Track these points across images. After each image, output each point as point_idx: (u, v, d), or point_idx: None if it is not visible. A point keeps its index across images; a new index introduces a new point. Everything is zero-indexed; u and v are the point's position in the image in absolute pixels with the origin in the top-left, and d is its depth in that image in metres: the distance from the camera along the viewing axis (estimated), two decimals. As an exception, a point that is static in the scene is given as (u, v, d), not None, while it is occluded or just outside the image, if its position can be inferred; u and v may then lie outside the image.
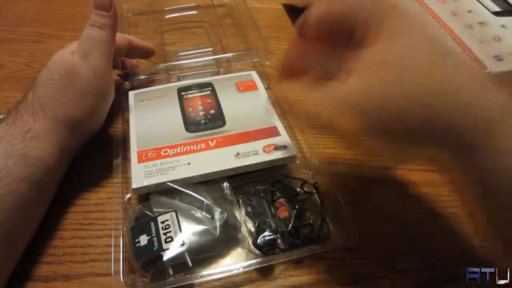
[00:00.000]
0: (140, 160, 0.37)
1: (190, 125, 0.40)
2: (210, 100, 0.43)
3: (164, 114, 0.41)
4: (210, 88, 0.44)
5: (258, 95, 0.44)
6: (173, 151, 0.37)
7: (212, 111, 0.41)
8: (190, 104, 0.42)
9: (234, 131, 0.39)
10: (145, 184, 0.35)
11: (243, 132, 0.39)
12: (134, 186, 0.35)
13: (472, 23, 0.52)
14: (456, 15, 0.53)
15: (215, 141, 0.38)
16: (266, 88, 0.45)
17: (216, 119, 0.41)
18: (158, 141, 0.38)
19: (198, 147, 0.38)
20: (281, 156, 0.37)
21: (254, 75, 0.46)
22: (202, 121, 0.40)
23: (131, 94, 0.43)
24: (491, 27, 0.51)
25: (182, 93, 0.43)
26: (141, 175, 0.35)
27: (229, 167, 0.36)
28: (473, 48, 0.48)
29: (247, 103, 0.43)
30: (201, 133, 0.39)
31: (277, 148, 0.38)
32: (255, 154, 0.37)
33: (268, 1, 0.62)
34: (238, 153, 0.37)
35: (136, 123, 0.40)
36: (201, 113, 0.41)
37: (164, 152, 0.37)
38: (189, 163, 0.36)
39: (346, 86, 0.25)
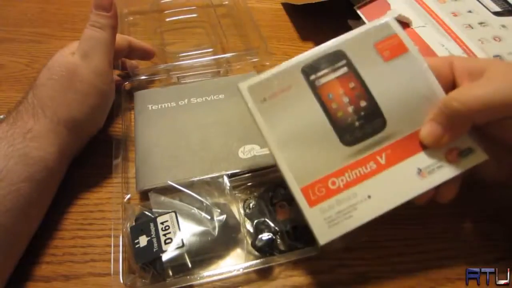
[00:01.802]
0: (311, 203, 0.28)
1: (344, 133, 0.29)
2: (353, 84, 0.30)
3: (301, 119, 0.29)
4: (344, 62, 0.30)
5: (410, 62, 0.30)
6: (342, 180, 0.28)
7: (363, 103, 0.29)
8: (330, 96, 0.29)
9: (401, 133, 0.29)
10: (330, 237, 0.27)
11: (412, 133, 0.29)
12: (321, 242, 0.27)
13: (472, 23, 0.51)
14: (456, 15, 0.53)
15: (383, 155, 0.29)
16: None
17: (372, 116, 0.29)
18: (316, 166, 0.29)
19: (369, 169, 0.28)
20: (470, 165, 0.28)
21: (394, 24, 0.30)
22: (356, 124, 0.29)
23: (244, 89, 0.30)
24: (491, 27, 0.51)
25: (312, 78, 0.30)
26: (322, 224, 0.27)
27: (416, 194, 0.28)
28: (473, 48, 0.48)
29: (402, 80, 0.29)
30: (362, 145, 0.29)
31: (461, 153, 0.29)
32: (440, 167, 0.28)
33: (268, 1, 0.62)
34: (420, 170, 0.28)
35: (277, 140, 0.29)
36: (349, 109, 0.29)
37: (332, 184, 0.28)
38: (369, 196, 0.28)
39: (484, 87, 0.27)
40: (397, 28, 0.30)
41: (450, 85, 0.29)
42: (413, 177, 0.28)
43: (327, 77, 0.30)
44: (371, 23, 0.31)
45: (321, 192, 0.28)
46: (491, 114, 0.27)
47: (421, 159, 0.29)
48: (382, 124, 0.29)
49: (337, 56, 0.30)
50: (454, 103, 0.27)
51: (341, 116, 0.29)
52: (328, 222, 0.28)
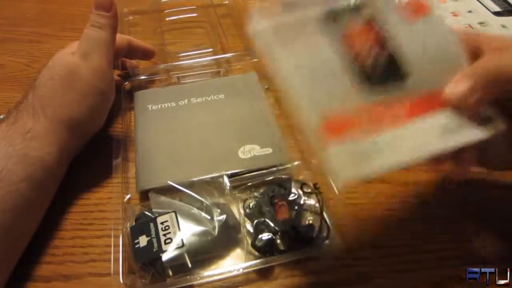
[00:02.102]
0: (331, 137, 0.26)
1: (367, 77, 0.28)
2: (374, 35, 0.29)
3: (320, 56, 0.28)
4: (368, 12, 0.30)
5: (435, 23, 0.30)
6: (367, 118, 0.27)
7: (384, 53, 0.29)
8: (352, 40, 0.29)
9: (421, 87, 0.28)
10: (353, 175, 0.25)
11: (433, 90, 0.28)
12: (342, 179, 0.25)
13: (472, 23, 0.52)
14: (456, 15, 0.53)
15: (408, 103, 0.28)
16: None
17: (393, 68, 0.28)
18: (335, 96, 0.27)
19: (393, 114, 0.27)
20: (489, 133, 0.28)
21: None
22: (382, 65, 0.28)
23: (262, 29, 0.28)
24: (491, 27, 0.51)
25: (334, 21, 0.29)
26: (343, 161, 0.25)
27: (438, 150, 0.27)
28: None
29: (426, 36, 0.29)
30: (383, 89, 0.28)
31: (482, 119, 0.28)
32: (462, 129, 0.28)
33: (268, 1, 0.62)
34: (443, 128, 0.27)
35: (294, 68, 0.27)
36: (371, 58, 0.29)
37: (357, 118, 0.27)
38: (391, 143, 0.27)
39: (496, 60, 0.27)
40: None
41: (474, 56, 0.29)
42: (436, 133, 0.27)
43: (349, 23, 0.29)
44: None
45: (344, 125, 0.26)
46: None
47: (444, 118, 0.28)
48: (404, 73, 0.28)
49: (360, 7, 0.29)
50: (491, 64, 0.27)
51: (362, 63, 0.28)
52: (351, 159, 0.25)
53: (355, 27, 0.29)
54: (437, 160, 0.28)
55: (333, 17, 0.29)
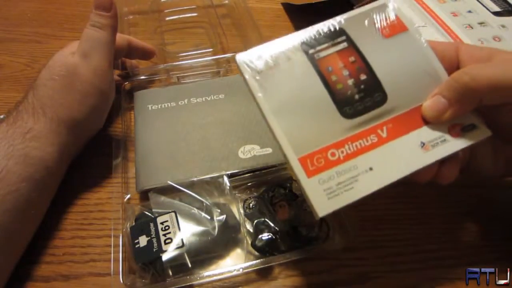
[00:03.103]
0: (309, 173, 0.27)
1: (344, 105, 0.28)
2: (353, 58, 0.29)
3: (299, 91, 0.29)
4: (344, 38, 0.30)
5: (410, 40, 0.30)
6: (342, 152, 0.27)
7: (363, 77, 0.29)
8: (330, 69, 0.29)
9: (401, 108, 0.29)
10: (331, 209, 0.26)
11: (413, 108, 0.29)
12: (320, 215, 0.26)
13: (472, 23, 0.52)
14: (456, 15, 0.53)
15: (384, 128, 0.28)
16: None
17: (372, 90, 0.29)
18: (314, 136, 0.28)
19: (369, 142, 0.28)
20: (473, 141, 0.28)
21: (393, 5, 0.31)
22: (356, 97, 0.29)
23: (241, 61, 0.29)
24: (491, 27, 0.51)
25: (311, 52, 0.29)
26: (321, 195, 0.26)
27: (420, 166, 0.27)
28: (473, 48, 0.48)
29: (402, 56, 0.30)
30: (362, 118, 0.28)
31: (464, 128, 0.28)
32: (443, 141, 0.28)
33: (268, 1, 0.62)
34: (423, 143, 0.28)
35: (273, 109, 0.28)
36: (349, 83, 0.29)
37: (332, 155, 0.27)
38: (371, 169, 0.27)
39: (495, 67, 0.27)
40: (395, 8, 0.31)
41: (454, 69, 0.29)
42: (416, 150, 0.28)
43: (326, 51, 0.30)
44: (371, 4, 0.31)
45: (320, 163, 0.27)
46: (498, 95, 0.27)
47: (424, 133, 0.28)
48: (383, 97, 0.29)
49: (337, 32, 0.30)
50: (465, 77, 0.27)
51: (341, 89, 0.29)
52: (327, 193, 0.26)
53: (332, 51, 0.30)
54: (419, 174, 0.28)
55: (312, 41, 0.30)
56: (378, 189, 0.27)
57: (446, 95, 0.28)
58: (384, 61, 0.29)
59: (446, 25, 0.51)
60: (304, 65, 0.29)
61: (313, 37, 0.30)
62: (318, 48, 0.30)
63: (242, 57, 0.29)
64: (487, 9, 0.54)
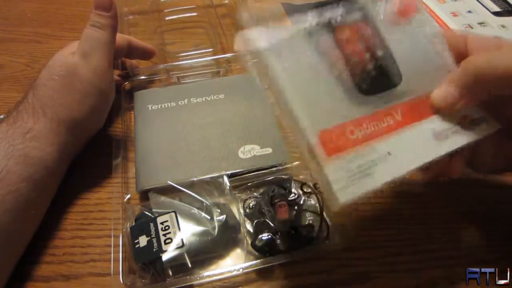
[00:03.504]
0: (329, 151, 0.24)
1: (359, 80, 0.27)
2: (369, 32, 0.28)
3: (316, 60, 0.26)
4: (361, 11, 0.28)
5: (423, 23, 0.29)
6: (360, 131, 0.26)
7: (380, 53, 0.27)
8: (346, 39, 0.27)
9: (413, 92, 0.28)
10: (354, 195, 0.24)
11: (424, 94, 0.28)
12: (342, 200, 0.23)
13: (472, 23, 0.52)
14: (456, 15, 0.53)
15: (399, 111, 0.27)
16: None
17: (388, 68, 0.27)
18: (332, 111, 0.26)
19: (386, 124, 0.26)
20: (483, 134, 0.28)
21: None
22: (372, 73, 0.27)
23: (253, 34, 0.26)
24: (491, 27, 0.51)
25: (329, 18, 0.27)
26: (342, 178, 0.24)
27: (435, 157, 0.26)
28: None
29: (415, 39, 0.28)
30: (378, 97, 0.27)
31: (474, 121, 0.28)
32: (454, 133, 0.27)
33: (268, 1, 0.62)
34: (436, 133, 0.27)
35: (290, 81, 0.25)
36: (365, 56, 0.27)
37: (351, 133, 0.25)
38: (389, 153, 0.25)
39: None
40: None
41: (462, 58, 0.29)
42: (430, 139, 0.27)
43: (344, 19, 0.27)
44: None
45: (340, 141, 0.25)
46: (508, 84, 0.26)
47: (436, 122, 0.28)
48: (398, 78, 0.27)
49: (354, 5, 0.28)
50: (477, 65, 0.27)
51: (356, 63, 0.27)
52: (349, 176, 0.24)
53: (350, 21, 0.28)
54: (427, 167, 0.27)
55: (328, 9, 0.28)
56: (397, 177, 0.25)
57: (456, 85, 0.27)
58: (399, 42, 0.28)
59: (446, 25, 0.51)
60: (322, 31, 0.27)
61: (331, 5, 0.27)
62: (336, 15, 0.27)
63: (253, 31, 0.26)
64: (487, 9, 0.54)
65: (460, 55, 0.29)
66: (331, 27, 0.27)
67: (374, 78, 0.27)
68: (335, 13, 0.27)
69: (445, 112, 0.28)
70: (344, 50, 0.27)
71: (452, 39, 0.29)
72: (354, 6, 0.28)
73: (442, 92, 0.28)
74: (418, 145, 0.27)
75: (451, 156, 0.28)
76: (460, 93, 0.27)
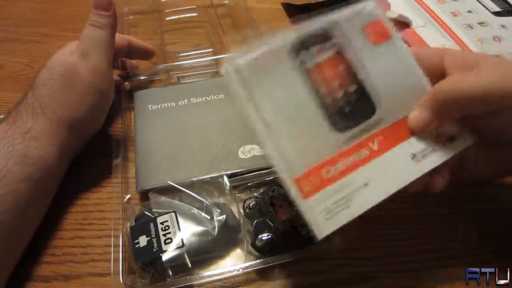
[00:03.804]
0: (305, 194, 0.26)
1: (335, 119, 0.27)
2: (342, 67, 0.28)
3: (289, 103, 0.27)
4: (333, 43, 0.28)
5: (395, 48, 0.29)
6: (335, 169, 0.27)
7: (352, 88, 0.28)
8: (319, 80, 0.27)
9: (389, 119, 0.28)
10: (329, 230, 0.26)
11: (401, 119, 0.28)
12: (319, 236, 0.25)
13: (472, 23, 0.52)
14: (456, 15, 0.53)
15: (375, 141, 0.28)
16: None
17: (361, 102, 0.28)
18: (307, 154, 0.27)
19: (362, 156, 0.27)
20: (459, 149, 0.29)
21: (377, 10, 0.29)
22: (346, 110, 0.27)
23: (231, 71, 0.26)
24: (491, 27, 0.51)
25: (300, 59, 0.27)
26: (319, 216, 0.26)
27: (414, 178, 0.27)
28: (473, 48, 0.48)
29: (387, 66, 0.29)
30: (353, 132, 0.27)
31: (451, 137, 0.29)
32: (433, 151, 0.28)
33: (268, 1, 0.62)
34: (414, 155, 0.28)
35: (264, 123, 0.26)
36: (340, 94, 0.28)
37: (327, 172, 0.26)
38: (366, 184, 0.27)
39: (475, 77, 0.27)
40: (380, 13, 0.29)
41: (439, 76, 0.29)
42: (408, 162, 0.28)
43: (315, 59, 0.28)
44: (358, 6, 0.29)
45: (315, 182, 0.26)
46: (481, 105, 0.27)
47: (414, 144, 0.28)
48: (372, 109, 0.28)
49: (325, 37, 0.28)
50: (445, 89, 0.27)
51: (331, 101, 0.27)
52: (325, 214, 0.26)
53: (321, 60, 0.28)
54: (412, 185, 0.28)
55: (301, 45, 0.27)
56: (375, 204, 0.27)
57: (429, 107, 0.28)
58: (371, 70, 0.28)
59: (446, 25, 0.51)
60: (293, 75, 0.27)
61: (302, 41, 0.27)
62: (307, 55, 0.28)
63: (231, 67, 0.26)
64: (487, 9, 0.54)
65: (437, 74, 0.29)
66: (303, 69, 0.27)
67: (349, 114, 0.28)
68: (307, 53, 0.27)
69: (420, 133, 0.29)
70: (318, 91, 0.27)
71: (428, 58, 0.30)
72: (327, 44, 0.28)
73: (416, 115, 0.28)
74: (396, 168, 0.28)
75: (431, 173, 0.29)
76: (432, 115, 0.28)
